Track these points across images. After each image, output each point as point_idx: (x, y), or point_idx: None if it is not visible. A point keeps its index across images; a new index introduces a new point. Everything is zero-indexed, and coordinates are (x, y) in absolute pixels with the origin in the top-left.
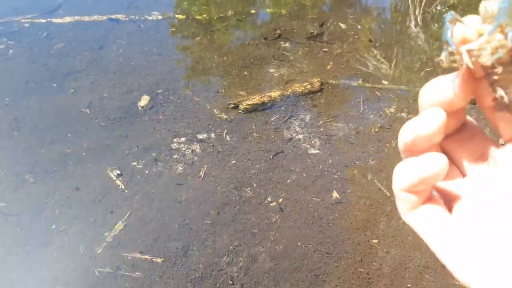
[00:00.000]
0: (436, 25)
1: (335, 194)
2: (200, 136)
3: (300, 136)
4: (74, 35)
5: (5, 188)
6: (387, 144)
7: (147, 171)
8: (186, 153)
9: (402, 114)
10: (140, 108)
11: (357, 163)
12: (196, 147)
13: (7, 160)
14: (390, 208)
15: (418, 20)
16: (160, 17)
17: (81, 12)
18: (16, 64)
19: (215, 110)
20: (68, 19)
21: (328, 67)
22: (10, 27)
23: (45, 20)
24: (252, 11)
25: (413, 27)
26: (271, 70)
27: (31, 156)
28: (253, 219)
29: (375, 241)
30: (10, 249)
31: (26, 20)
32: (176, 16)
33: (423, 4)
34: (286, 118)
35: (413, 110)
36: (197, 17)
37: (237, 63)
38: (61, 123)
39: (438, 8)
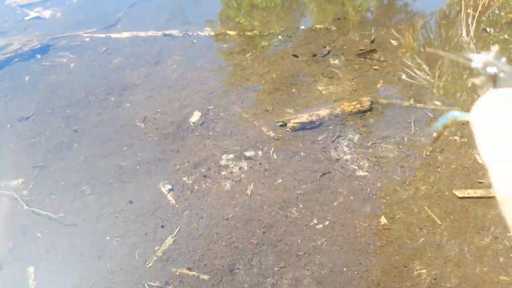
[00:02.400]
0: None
1: (383, 220)
2: (247, 153)
3: (348, 157)
4: (131, 50)
5: (64, 198)
6: (439, 169)
7: (196, 187)
8: (234, 170)
9: (455, 137)
10: (191, 124)
11: (407, 187)
12: (244, 164)
13: (67, 171)
14: (440, 237)
15: (471, 30)
16: (212, 33)
17: (138, 28)
18: (77, 78)
19: (263, 128)
20: (125, 34)
21: (378, 85)
22: (72, 42)
23: (104, 35)
24: (302, 27)
25: (465, 37)
26: (320, 88)
27: (89, 168)
28: (299, 241)
29: (424, 271)
30: (67, 258)
31: (87, 35)
32: (228, 32)
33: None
34: (334, 138)
35: (466, 134)
36: (248, 33)
37: (286, 80)
38: (118, 136)
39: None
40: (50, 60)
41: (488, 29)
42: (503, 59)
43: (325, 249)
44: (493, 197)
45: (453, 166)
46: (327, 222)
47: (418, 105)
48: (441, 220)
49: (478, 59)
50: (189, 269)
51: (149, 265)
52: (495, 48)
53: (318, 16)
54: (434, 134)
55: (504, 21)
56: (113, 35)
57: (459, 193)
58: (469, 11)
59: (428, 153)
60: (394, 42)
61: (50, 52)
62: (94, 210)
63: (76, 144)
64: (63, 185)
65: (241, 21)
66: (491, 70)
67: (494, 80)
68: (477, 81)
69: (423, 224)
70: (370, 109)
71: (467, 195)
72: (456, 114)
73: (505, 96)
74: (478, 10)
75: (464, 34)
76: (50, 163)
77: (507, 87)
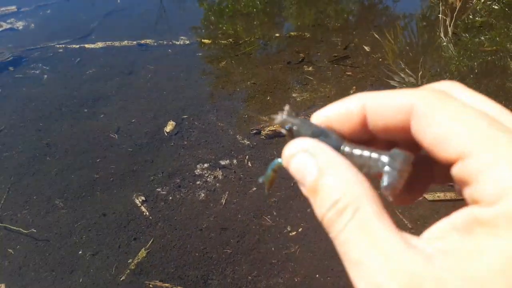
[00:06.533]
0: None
1: None
2: (222, 162)
3: None
4: (105, 61)
5: (36, 213)
6: None
7: (170, 197)
8: (208, 179)
9: None
10: (166, 133)
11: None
12: (219, 173)
13: (39, 185)
14: None
15: (449, 33)
16: (187, 42)
17: (112, 37)
18: (50, 90)
19: (237, 136)
20: (100, 44)
21: (351, 91)
22: (46, 53)
23: (78, 46)
24: (277, 35)
25: (443, 38)
26: (294, 95)
27: (62, 181)
28: (272, 249)
29: None
30: (39, 274)
31: (60, 46)
32: (203, 41)
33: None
34: None
35: None
36: (222, 41)
37: (260, 88)
38: (91, 148)
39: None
40: (23, 72)
41: (462, 34)
42: (293, 114)
43: (298, 256)
44: (462, 199)
45: None
46: (300, 229)
47: None
48: (412, 223)
49: (277, 119)
50: (162, 281)
51: (121, 279)
52: (286, 107)
53: (293, 24)
54: (261, 180)
55: (476, 24)
56: (87, 46)
57: (429, 196)
58: (441, 16)
59: None
60: (366, 48)
61: (23, 64)
62: (66, 224)
63: (49, 157)
64: (35, 200)
65: (216, 30)
66: (286, 126)
67: (291, 134)
68: (285, 135)
69: None
70: None
71: (437, 198)
72: (279, 160)
73: (295, 144)
74: (455, 13)
75: (442, 35)
76: (22, 178)
77: (300, 136)
